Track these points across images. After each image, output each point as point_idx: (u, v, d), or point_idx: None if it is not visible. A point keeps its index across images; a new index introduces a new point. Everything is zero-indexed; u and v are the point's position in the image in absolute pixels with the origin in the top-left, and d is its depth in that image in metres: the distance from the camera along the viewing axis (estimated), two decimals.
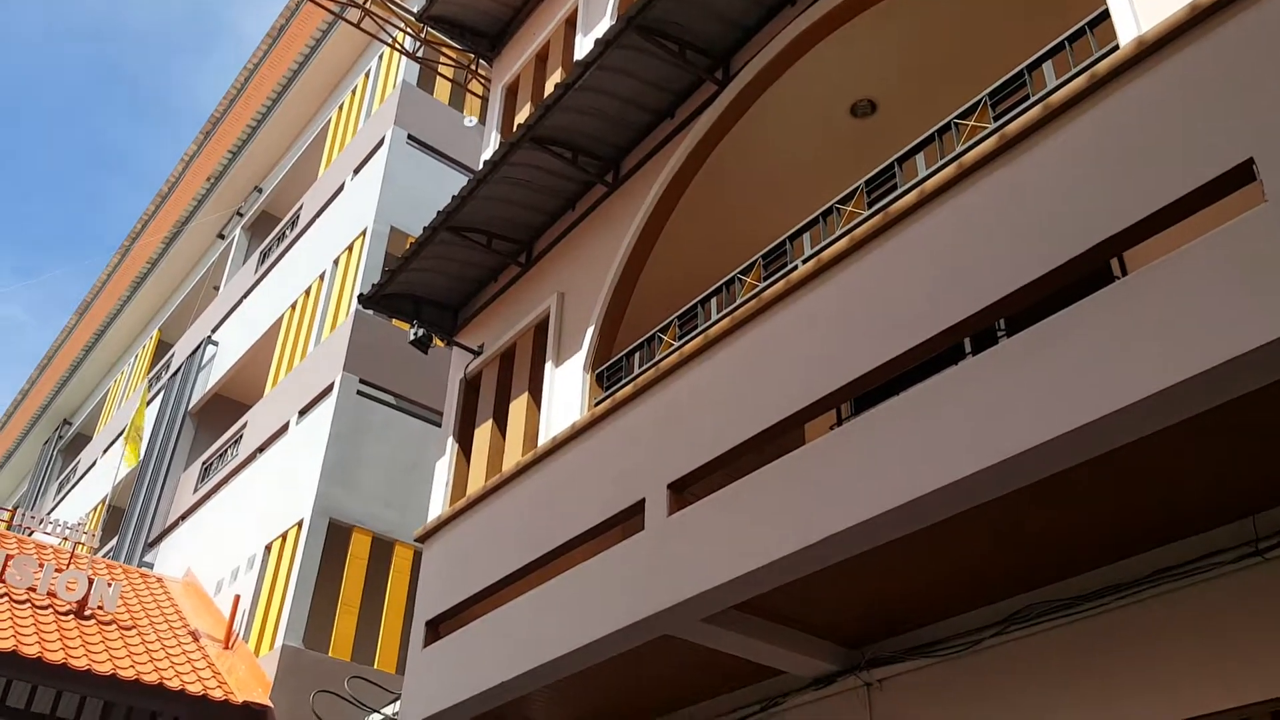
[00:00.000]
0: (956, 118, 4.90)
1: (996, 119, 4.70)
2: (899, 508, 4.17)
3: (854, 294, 4.84)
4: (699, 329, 5.97)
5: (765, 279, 5.65)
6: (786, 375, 4.98)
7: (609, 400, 6.23)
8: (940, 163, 4.84)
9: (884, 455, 4.31)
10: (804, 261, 5.36)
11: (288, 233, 18.43)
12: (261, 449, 14.88)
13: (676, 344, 6.10)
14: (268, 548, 13.14)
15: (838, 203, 5.38)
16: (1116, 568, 4.55)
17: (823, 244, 5.31)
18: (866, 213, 5.15)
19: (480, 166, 8.01)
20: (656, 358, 6.24)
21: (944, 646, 5.08)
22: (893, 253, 4.72)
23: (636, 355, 6.50)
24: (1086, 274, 4.09)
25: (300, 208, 18.27)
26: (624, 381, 6.51)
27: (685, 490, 5.44)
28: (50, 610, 11.86)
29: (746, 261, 5.87)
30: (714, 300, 5.99)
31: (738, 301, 5.75)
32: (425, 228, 8.34)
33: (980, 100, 4.83)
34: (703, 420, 5.41)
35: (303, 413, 14.03)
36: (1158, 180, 3.70)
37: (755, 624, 5.22)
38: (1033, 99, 4.52)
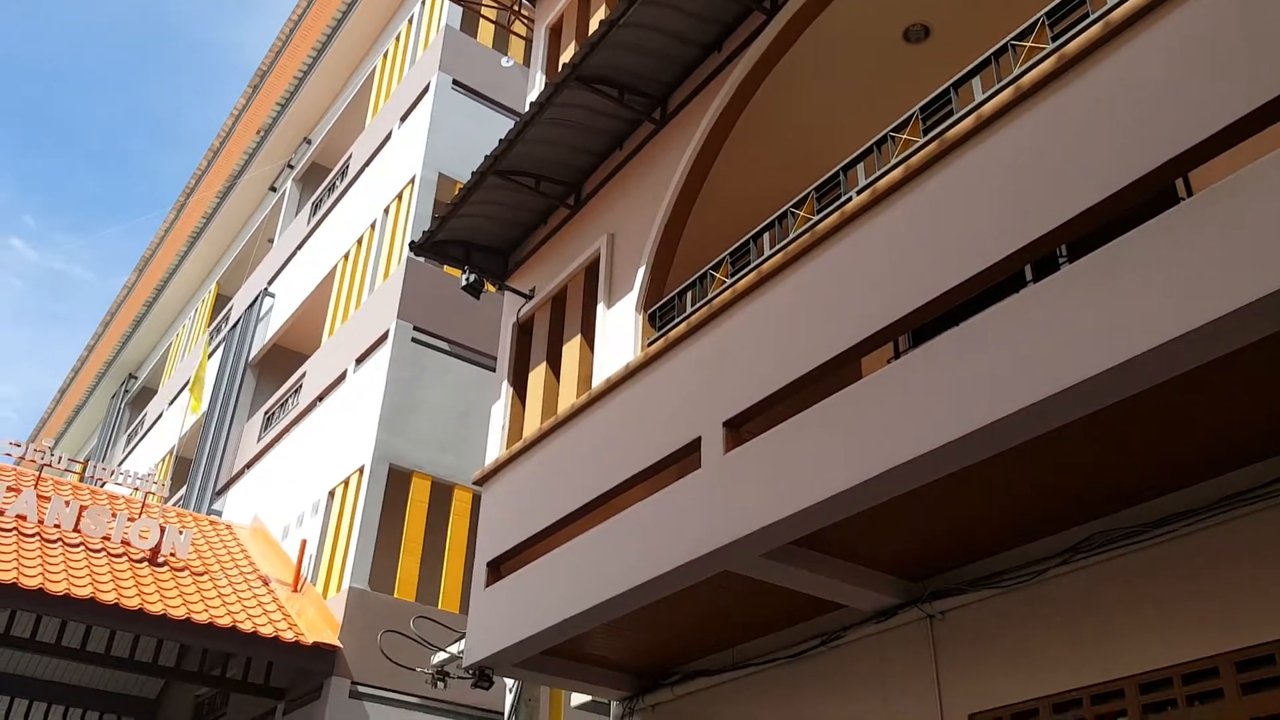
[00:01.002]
0: (1013, 39, 4.73)
1: (1055, 39, 4.53)
2: (959, 439, 4.11)
3: (910, 224, 4.74)
4: (751, 265, 5.89)
5: (819, 212, 5.55)
6: (842, 309, 4.91)
7: (662, 340, 6.20)
8: (997, 86, 4.68)
9: (943, 387, 4.25)
10: (858, 193, 5.25)
11: (338, 183, 18.52)
12: (321, 398, 15.12)
13: (729, 281, 6.03)
14: (331, 493, 13.42)
15: (892, 131, 5.25)
16: (1183, 494, 4.47)
17: (877, 174, 5.19)
18: (922, 140, 5.02)
19: (526, 109, 7.94)
20: (709, 296, 6.18)
21: (1007, 577, 5.04)
22: (949, 181, 4.61)
23: (689, 294, 6.45)
24: (1151, 196, 3.96)
25: (349, 158, 18.33)
26: (676, 321, 6.47)
27: (741, 427, 5.41)
28: (125, 558, 12.25)
29: (799, 194, 5.76)
30: (766, 235, 5.90)
31: (791, 236, 5.66)
32: (473, 173, 8.31)
33: (1038, 20, 4.66)
34: (757, 357, 5.37)
35: (359, 361, 14.21)
36: (1224, 97, 3.55)
37: (815, 558, 5.22)
38: (1092, 17, 4.34)
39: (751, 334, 5.48)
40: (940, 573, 5.39)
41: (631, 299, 7.16)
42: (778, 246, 5.72)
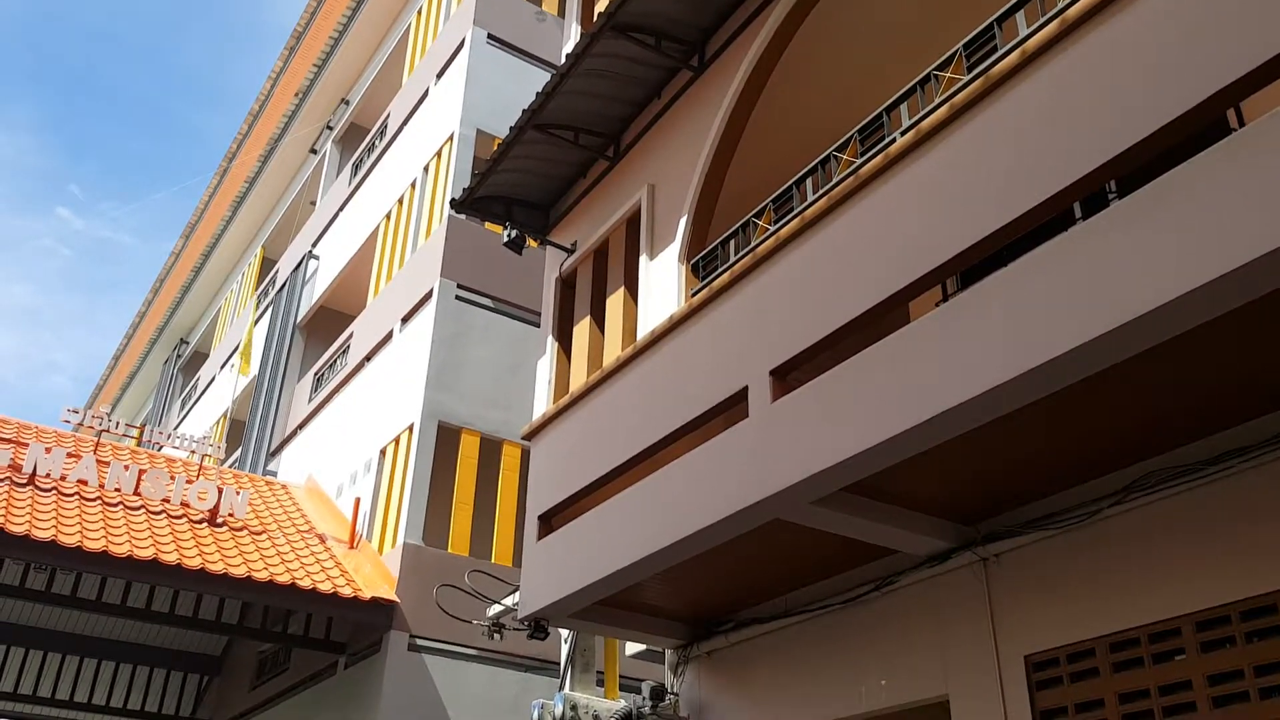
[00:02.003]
0: None
1: None
2: (1012, 381, 4.05)
3: (956, 164, 4.64)
4: (795, 211, 5.82)
5: (862, 155, 5.45)
6: (888, 253, 4.84)
7: (706, 290, 6.16)
8: (1042, 19, 4.54)
9: (994, 328, 4.18)
10: (902, 134, 5.15)
11: (377, 143, 18.55)
12: (369, 357, 15.29)
13: (772, 229, 5.97)
14: (382, 452, 13.60)
15: (935, 70, 5.13)
16: (1243, 429, 4.39)
17: (921, 114, 5.08)
18: (966, 78, 4.90)
19: (562, 61, 7.86)
20: (752, 244, 6.12)
21: (1061, 518, 4.99)
22: (995, 118, 4.50)
23: (731, 243, 6.39)
24: (1202, 128, 3.83)
25: (387, 117, 18.34)
26: (720, 270, 6.42)
27: (788, 375, 5.38)
28: (185, 519, 12.54)
29: (842, 137, 5.66)
30: (809, 181, 5.82)
31: (834, 180, 5.57)
32: (511, 128, 8.27)
33: None
34: (803, 304, 5.32)
35: (405, 320, 14.32)
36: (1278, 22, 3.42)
37: (866, 504, 5.20)
38: None
39: (797, 281, 5.42)
40: (993, 515, 5.35)
41: (674, 249, 7.12)
42: (821, 191, 5.64)
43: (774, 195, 6.05)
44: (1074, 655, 4.86)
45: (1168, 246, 3.60)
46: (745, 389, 5.53)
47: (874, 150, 5.35)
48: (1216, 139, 3.59)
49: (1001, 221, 4.30)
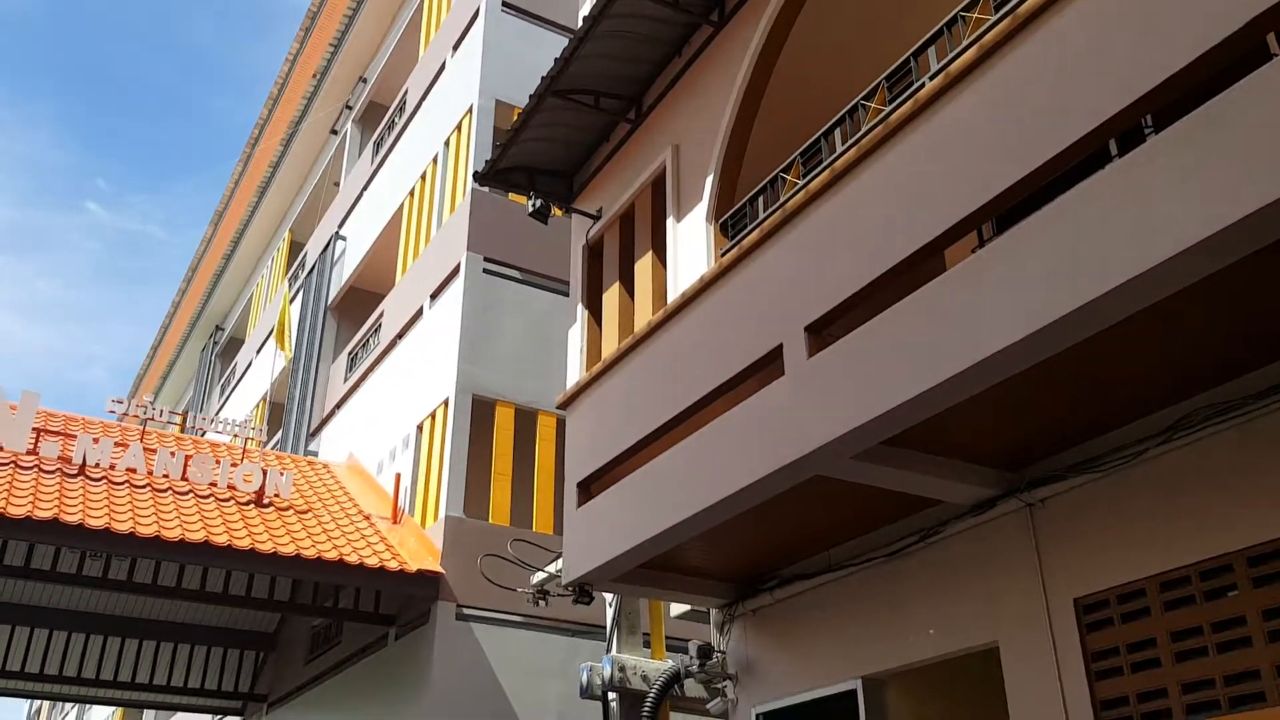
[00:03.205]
0: None
1: None
2: (1051, 325, 4.00)
3: (988, 106, 4.55)
4: (824, 164, 5.75)
5: (891, 102, 5.37)
6: (922, 200, 4.77)
7: (735, 249, 6.12)
8: None
9: (1032, 272, 4.12)
10: (930, 78, 5.06)
11: (396, 120, 18.54)
12: (400, 335, 15.38)
13: (801, 183, 5.90)
14: (419, 427, 13.71)
15: (962, 11, 5.03)
16: None
17: (949, 57, 4.99)
18: (994, 18, 4.80)
19: (579, 24, 7.78)
20: (781, 199, 6.06)
21: (1107, 460, 4.94)
22: (1026, 56, 4.40)
23: (760, 199, 6.33)
24: (1241, 55, 3.73)
25: (405, 93, 18.30)
26: (749, 228, 6.37)
27: (823, 331, 5.34)
28: (232, 502, 12.73)
29: (869, 86, 5.58)
30: (837, 131, 5.74)
31: (863, 130, 5.50)
32: (531, 95, 8.22)
33: None
34: (835, 258, 5.26)
35: (434, 296, 14.37)
36: None
37: (908, 456, 5.17)
38: None
39: (829, 235, 5.37)
40: (1038, 460, 5.31)
41: (701, 210, 7.07)
42: (850, 142, 5.57)
43: (802, 148, 5.98)
44: (1124, 596, 4.83)
45: (1217, 174, 3.51)
46: (780, 347, 5.50)
47: (903, 97, 5.27)
48: (1255, 68, 3.50)
49: (1037, 162, 4.22)
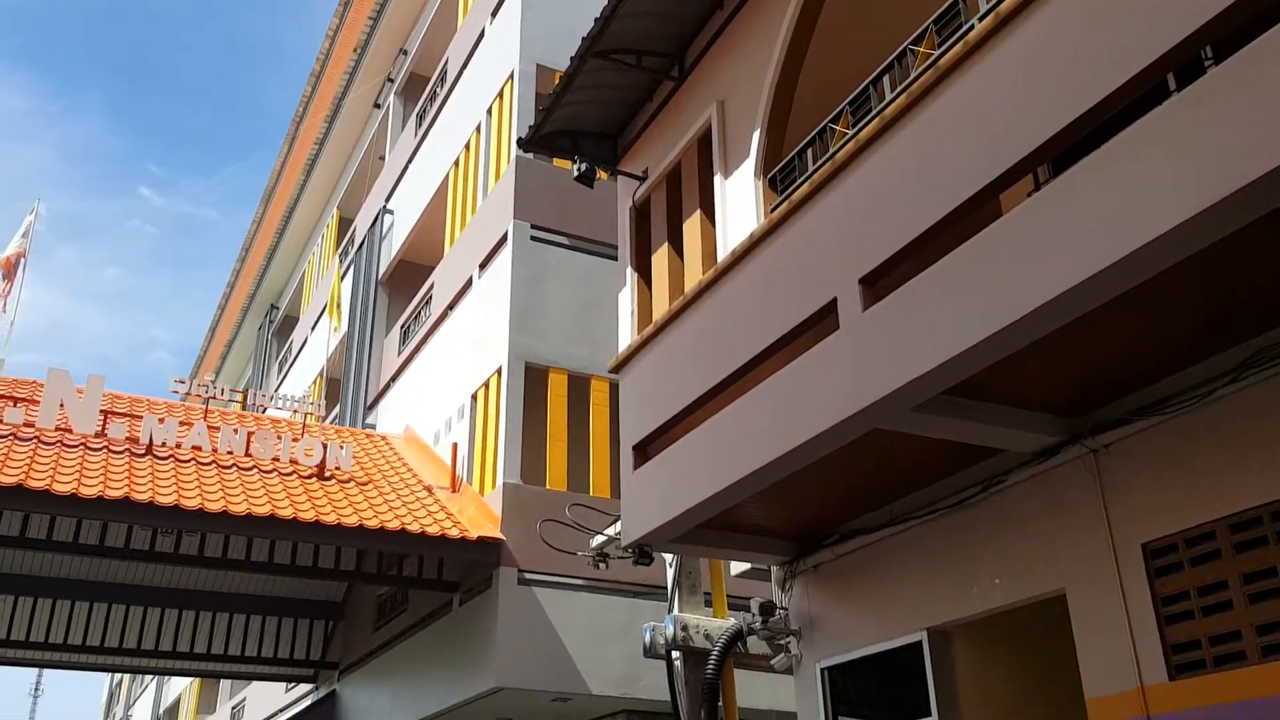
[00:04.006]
0: None
1: None
2: (1111, 266, 3.91)
3: (1039, 45, 4.43)
4: (874, 112, 5.65)
5: (940, 46, 5.25)
6: (975, 145, 4.68)
7: (785, 204, 6.05)
8: None
9: (1090, 214, 4.03)
10: (980, 19, 4.94)
11: (438, 90, 18.55)
12: (451, 306, 15.48)
13: (851, 133, 5.81)
14: (473, 397, 13.84)
15: None
16: None
17: None
18: None
19: None
20: (831, 151, 5.98)
21: (1173, 402, 4.85)
22: None
23: (809, 152, 6.24)
24: None
25: (446, 62, 18.30)
26: (799, 181, 6.30)
27: (878, 283, 5.27)
28: (294, 476, 12.98)
29: (917, 30, 5.46)
30: (886, 79, 5.63)
31: (912, 75, 5.39)
32: (572, 58, 8.18)
33: None
34: (888, 208, 5.18)
35: (483, 266, 14.44)
36: None
37: (968, 406, 5.11)
38: None
39: (880, 185, 5.28)
40: (1101, 405, 5.22)
41: (749, 165, 7.00)
42: (900, 89, 5.46)
43: (850, 97, 5.88)
44: (1193, 540, 4.75)
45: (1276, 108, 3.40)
46: (834, 300, 5.44)
47: (952, 40, 5.16)
48: None
49: (1093, 100, 4.11)
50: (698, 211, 7.75)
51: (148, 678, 34.44)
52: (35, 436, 12.08)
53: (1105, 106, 4.10)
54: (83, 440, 12.30)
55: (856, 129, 5.76)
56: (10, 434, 11.95)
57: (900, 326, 4.93)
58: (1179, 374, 4.89)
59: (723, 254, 7.13)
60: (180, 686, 30.03)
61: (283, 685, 19.16)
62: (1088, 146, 4.20)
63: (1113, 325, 4.52)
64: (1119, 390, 5.10)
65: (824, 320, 5.59)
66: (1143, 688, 4.79)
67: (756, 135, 6.95)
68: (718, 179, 7.43)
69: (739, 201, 7.09)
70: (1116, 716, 4.90)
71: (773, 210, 6.46)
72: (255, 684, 21.05)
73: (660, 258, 8.30)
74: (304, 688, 18.06)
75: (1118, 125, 4.04)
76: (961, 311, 4.56)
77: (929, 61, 5.26)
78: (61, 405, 12.42)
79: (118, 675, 41.42)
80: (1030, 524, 5.55)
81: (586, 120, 8.94)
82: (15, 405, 12.46)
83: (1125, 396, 5.12)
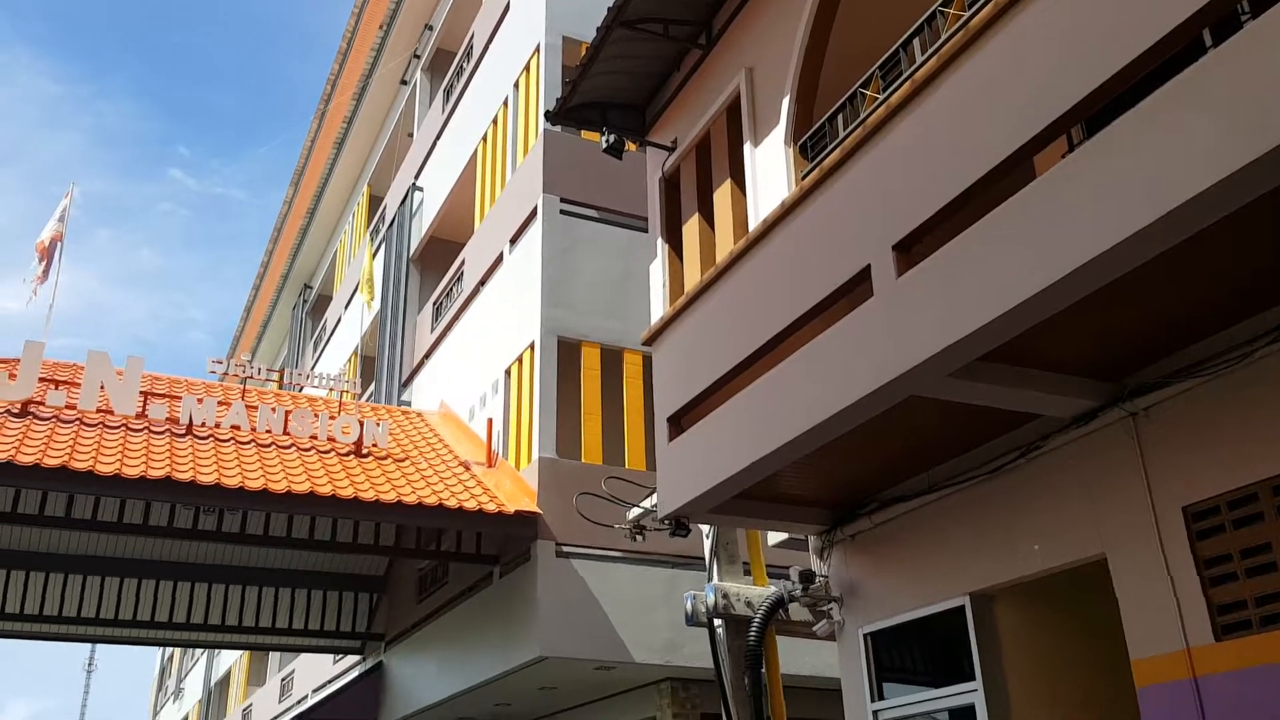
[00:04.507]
0: None
1: None
2: (1151, 225, 3.85)
3: (1072, 2, 4.35)
4: (904, 76, 5.58)
5: (970, 7, 5.17)
6: (1008, 107, 4.61)
7: (816, 170, 6.00)
8: None
9: (1130, 172, 3.96)
10: None
11: (465, 65, 18.52)
12: (483, 282, 15.52)
13: (882, 97, 5.74)
14: (507, 372, 13.90)
15: None
16: None
17: None
18: None
19: None
20: (862, 116, 5.91)
21: (1213, 364, 4.78)
22: None
23: (839, 117, 6.18)
24: None
25: (472, 37, 18.25)
26: (830, 148, 6.24)
27: (912, 249, 5.23)
28: (332, 454, 13.13)
29: None
30: (916, 41, 5.56)
31: (943, 37, 5.31)
32: (598, 28, 8.13)
33: None
34: (921, 172, 5.13)
35: (513, 241, 14.45)
36: None
37: (1005, 371, 5.07)
38: None
39: (912, 149, 5.23)
40: (1139, 368, 5.16)
41: (779, 133, 6.94)
42: (930, 51, 5.39)
43: (880, 61, 5.81)
44: (1235, 502, 4.70)
45: None
46: (868, 268, 5.41)
47: (982, 0, 5.07)
48: None
49: (1125, 59, 4.04)
50: (728, 181, 7.71)
51: (198, 652, 35.14)
52: (77, 419, 12.30)
53: (1141, 63, 4.03)
54: (124, 422, 12.50)
55: (887, 93, 5.69)
56: (53, 416, 12.17)
57: (935, 292, 4.89)
58: (1218, 335, 4.82)
59: (754, 223, 7.10)
60: (230, 660, 30.63)
61: (330, 657, 19.49)
62: (1122, 106, 4.13)
63: (1151, 286, 4.46)
64: (1157, 353, 5.04)
65: (858, 288, 5.56)
66: (1189, 649, 4.76)
67: (786, 102, 6.89)
68: (747, 147, 7.38)
69: (769, 169, 7.04)
70: (1163, 677, 4.88)
71: (804, 178, 6.41)
72: (303, 656, 21.42)
73: (691, 228, 8.27)
74: (351, 659, 18.37)
75: (1152, 83, 3.96)
76: (998, 275, 4.52)
77: (959, 23, 5.17)
78: (102, 387, 12.62)
79: (169, 649, 42.31)
80: (1069, 489, 5.51)
81: (614, 91, 8.90)
82: (57, 388, 12.68)
83: (1164, 359, 5.06)
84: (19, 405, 12.08)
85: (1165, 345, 4.99)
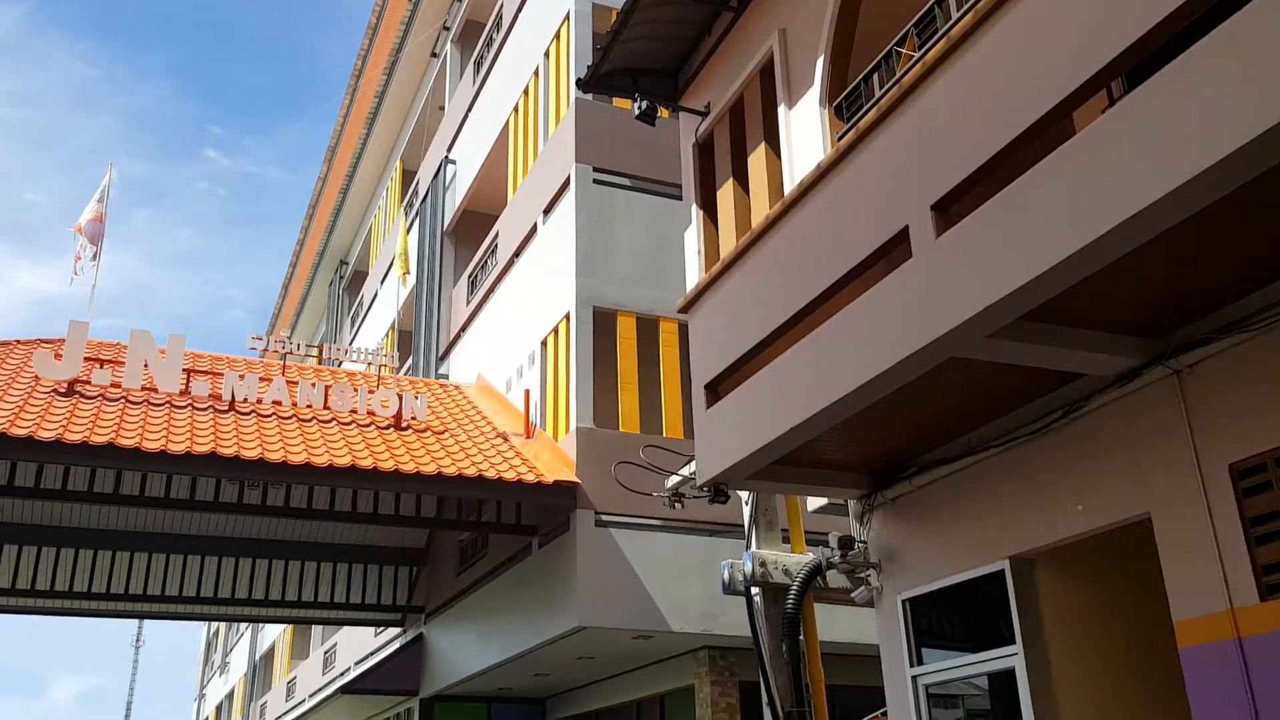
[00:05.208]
0: None
1: None
2: (1191, 180, 3.77)
3: None
4: (940, 32, 5.49)
5: None
6: (1046, 61, 4.52)
7: (852, 131, 5.94)
8: None
9: (1173, 125, 3.88)
10: None
11: (494, 36, 18.47)
12: (517, 253, 15.56)
13: (918, 55, 5.66)
14: (543, 343, 13.95)
15: None
16: None
17: None
18: None
19: None
20: (897, 75, 5.83)
21: (1259, 319, 4.69)
22: None
23: (875, 77, 6.10)
24: None
25: (501, 7, 18.19)
26: (866, 108, 6.17)
27: (950, 209, 5.16)
28: (372, 427, 13.26)
29: None
30: None
31: None
32: None
33: None
34: (959, 131, 5.05)
35: (547, 211, 14.45)
36: None
37: (1046, 331, 5.01)
38: None
39: (950, 107, 5.15)
40: (1183, 325, 5.08)
41: (814, 94, 6.87)
42: (966, 7, 5.30)
43: (915, 18, 5.72)
44: None
45: None
46: (906, 229, 5.35)
47: None
48: None
49: (1167, 10, 3.94)
50: (762, 144, 7.64)
51: (243, 626, 35.82)
52: (123, 397, 12.51)
53: (1183, 14, 3.93)
54: (168, 399, 12.70)
55: (923, 51, 5.61)
56: (99, 395, 12.39)
57: (975, 251, 4.83)
58: (1266, 289, 4.73)
59: (789, 186, 7.04)
60: (274, 634, 31.20)
61: (372, 630, 19.79)
62: (1165, 58, 4.04)
63: (1193, 242, 4.38)
64: (1201, 309, 4.95)
65: (896, 249, 5.50)
66: (1233, 609, 4.71)
67: (820, 63, 6.81)
68: (781, 110, 7.31)
69: (804, 132, 6.97)
70: (1206, 638, 4.83)
71: (839, 139, 6.35)
72: (345, 629, 21.77)
73: (725, 194, 8.22)
74: (392, 631, 18.64)
75: (1195, 35, 3.87)
76: (1038, 233, 4.45)
77: None
78: (145, 365, 12.81)
79: (214, 624, 43.16)
80: (1113, 449, 5.45)
81: (645, 57, 8.84)
82: (102, 367, 12.90)
83: (1208, 315, 4.97)
84: (65, 384, 12.31)
85: (1209, 302, 4.90)
